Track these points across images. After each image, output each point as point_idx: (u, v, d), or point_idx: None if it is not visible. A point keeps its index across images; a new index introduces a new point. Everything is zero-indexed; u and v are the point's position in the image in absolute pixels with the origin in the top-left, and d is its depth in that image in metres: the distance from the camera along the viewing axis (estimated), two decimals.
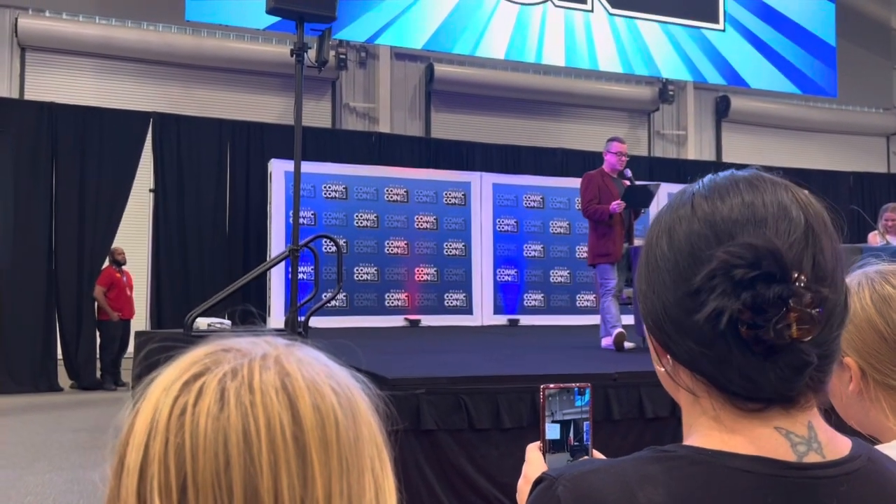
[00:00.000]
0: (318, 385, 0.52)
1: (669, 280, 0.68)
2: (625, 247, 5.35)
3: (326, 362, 0.55)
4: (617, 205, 5.20)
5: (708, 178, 0.73)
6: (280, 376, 0.51)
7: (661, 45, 11.83)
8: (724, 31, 12.23)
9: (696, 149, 13.57)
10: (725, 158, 13.52)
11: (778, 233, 0.65)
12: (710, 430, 0.68)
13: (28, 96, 10.13)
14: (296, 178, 5.81)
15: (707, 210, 0.68)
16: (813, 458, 0.66)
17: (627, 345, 5.11)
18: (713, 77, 12.25)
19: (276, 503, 0.48)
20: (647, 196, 5.44)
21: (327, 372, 0.54)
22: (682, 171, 11.59)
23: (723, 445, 0.66)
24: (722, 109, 13.70)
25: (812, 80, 12.76)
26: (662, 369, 0.71)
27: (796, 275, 0.63)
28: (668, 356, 0.70)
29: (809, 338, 0.62)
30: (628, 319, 5.49)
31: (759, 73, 12.42)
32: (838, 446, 0.68)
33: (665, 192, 6.66)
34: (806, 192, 0.70)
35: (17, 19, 10.27)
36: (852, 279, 1.04)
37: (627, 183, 5.43)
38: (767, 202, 0.67)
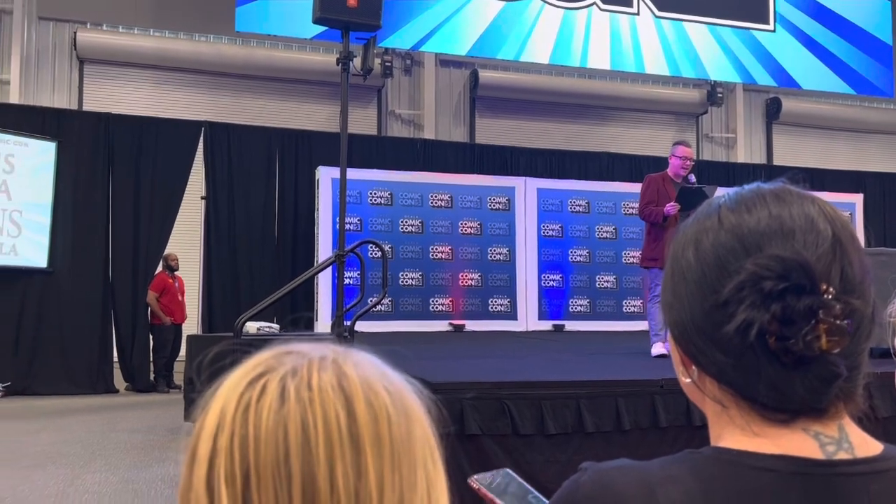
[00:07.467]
0: (372, 385, 0.55)
1: (696, 291, 0.68)
2: None
3: (381, 366, 0.58)
4: (671, 207, 5.09)
5: (734, 190, 0.73)
6: (337, 376, 0.55)
7: (708, 47, 11.64)
8: (774, 31, 11.98)
9: (746, 152, 13.30)
10: (776, 161, 13.22)
11: (806, 245, 0.65)
12: (736, 435, 0.68)
13: (86, 107, 10.49)
14: (342, 184, 5.89)
15: (734, 222, 0.68)
16: (843, 456, 0.65)
17: None
18: (763, 79, 12.00)
19: (332, 491, 0.51)
20: (701, 198, 5.33)
21: (381, 374, 0.57)
22: (731, 174, 11.38)
23: (748, 447, 0.66)
24: (773, 111, 13.41)
25: (867, 79, 12.39)
26: (688, 380, 0.72)
27: (825, 286, 0.63)
28: (694, 367, 0.70)
29: (838, 349, 0.62)
30: None
31: (811, 73, 12.13)
32: (870, 447, 0.67)
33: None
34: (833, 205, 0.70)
35: (75, 33, 10.65)
36: None
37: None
38: (794, 214, 0.67)
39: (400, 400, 0.56)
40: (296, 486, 0.51)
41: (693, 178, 5.43)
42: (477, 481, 0.91)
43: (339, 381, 0.54)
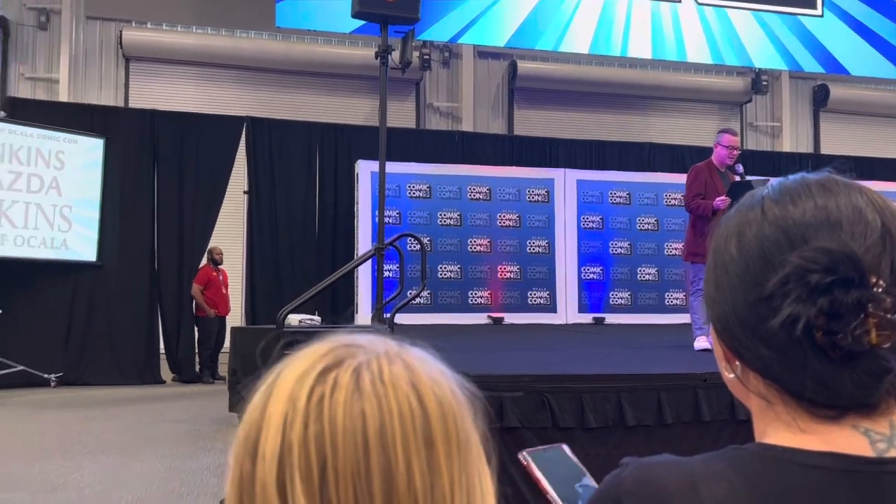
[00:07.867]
0: (437, 381, 0.55)
1: (739, 285, 0.66)
2: None
3: (436, 361, 0.58)
4: (721, 201, 4.93)
5: (778, 180, 0.71)
6: (406, 371, 0.54)
7: (753, 34, 11.37)
8: (822, 16, 11.65)
9: (792, 141, 12.99)
10: (824, 150, 12.89)
11: (854, 236, 0.63)
12: (782, 431, 0.66)
13: (132, 104, 10.73)
14: (381, 178, 5.93)
15: (778, 214, 0.66)
16: (894, 454, 0.63)
17: None
18: (810, 65, 11.68)
19: (409, 488, 0.51)
20: None
21: (440, 370, 0.57)
22: (777, 164, 11.12)
23: (794, 443, 0.65)
24: (820, 99, 13.06)
25: None
26: (731, 375, 0.70)
27: (874, 279, 0.61)
28: (738, 362, 0.68)
29: (889, 344, 0.60)
30: None
31: (861, 59, 11.76)
32: None
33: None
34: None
35: (121, 32, 10.88)
36: None
37: (737, 178, 5.20)
38: (841, 205, 0.65)
39: (460, 397, 0.56)
40: (375, 482, 0.50)
41: (740, 167, 5.29)
42: (526, 457, 0.88)
43: (409, 377, 0.54)
